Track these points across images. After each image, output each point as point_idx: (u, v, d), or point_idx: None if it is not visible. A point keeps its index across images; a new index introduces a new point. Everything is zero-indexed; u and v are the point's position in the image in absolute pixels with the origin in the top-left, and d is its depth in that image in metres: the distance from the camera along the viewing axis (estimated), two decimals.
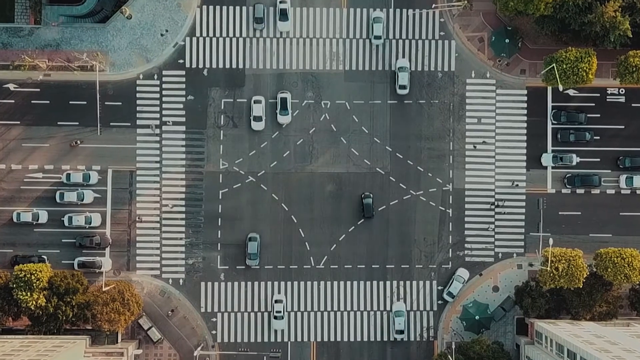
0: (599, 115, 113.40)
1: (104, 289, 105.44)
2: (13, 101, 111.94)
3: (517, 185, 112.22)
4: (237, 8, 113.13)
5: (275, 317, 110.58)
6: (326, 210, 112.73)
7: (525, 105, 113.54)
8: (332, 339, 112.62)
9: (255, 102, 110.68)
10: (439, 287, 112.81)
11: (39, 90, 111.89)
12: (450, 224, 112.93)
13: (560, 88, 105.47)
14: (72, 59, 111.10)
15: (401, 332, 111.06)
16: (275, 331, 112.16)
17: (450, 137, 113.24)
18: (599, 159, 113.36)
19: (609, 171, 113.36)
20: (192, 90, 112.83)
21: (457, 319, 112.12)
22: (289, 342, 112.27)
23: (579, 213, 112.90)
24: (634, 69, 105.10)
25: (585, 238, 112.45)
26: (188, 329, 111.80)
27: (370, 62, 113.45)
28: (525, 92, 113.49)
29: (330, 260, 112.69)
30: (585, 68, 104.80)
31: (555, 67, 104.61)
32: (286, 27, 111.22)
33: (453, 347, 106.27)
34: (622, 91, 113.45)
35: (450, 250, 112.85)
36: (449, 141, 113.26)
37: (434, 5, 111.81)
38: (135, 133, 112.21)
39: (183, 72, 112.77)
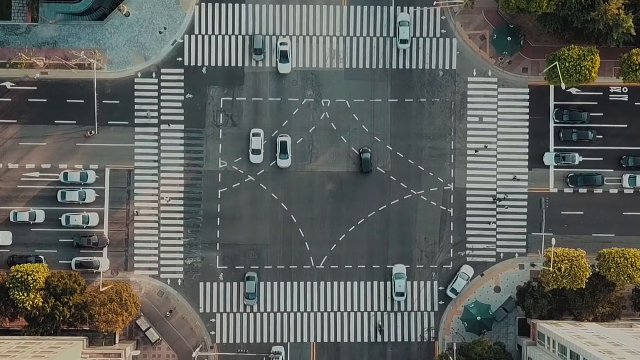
0: (601, 114, 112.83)
1: (101, 289, 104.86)
2: (10, 99, 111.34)
3: (517, 179, 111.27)
4: (237, 5, 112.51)
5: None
6: (326, 210, 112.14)
7: (527, 103, 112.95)
8: (332, 340, 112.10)
9: (254, 134, 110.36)
10: (440, 288, 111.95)
11: (35, 88, 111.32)
12: (452, 223, 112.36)
13: (563, 86, 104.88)
14: (70, 56, 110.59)
15: (401, 294, 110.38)
16: (275, 332, 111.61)
17: (452, 136, 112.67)
18: (601, 158, 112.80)
19: (612, 170, 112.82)
20: (191, 88, 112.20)
21: (459, 320, 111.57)
22: (289, 343, 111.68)
23: (582, 213, 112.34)
24: (637, 67, 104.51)
25: (588, 238, 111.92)
26: (187, 330, 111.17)
27: (371, 60, 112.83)
28: (527, 90, 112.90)
29: (331, 260, 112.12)
30: (588, 66, 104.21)
31: (557, 65, 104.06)
32: (286, 69, 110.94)
33: (454, 348, 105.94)
34: (625, 89, 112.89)
35: (452, 250, 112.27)
36: (450, 140, 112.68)
37: (435, 3, 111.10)
38: (133, 132, 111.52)
39: (182, 70, 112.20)
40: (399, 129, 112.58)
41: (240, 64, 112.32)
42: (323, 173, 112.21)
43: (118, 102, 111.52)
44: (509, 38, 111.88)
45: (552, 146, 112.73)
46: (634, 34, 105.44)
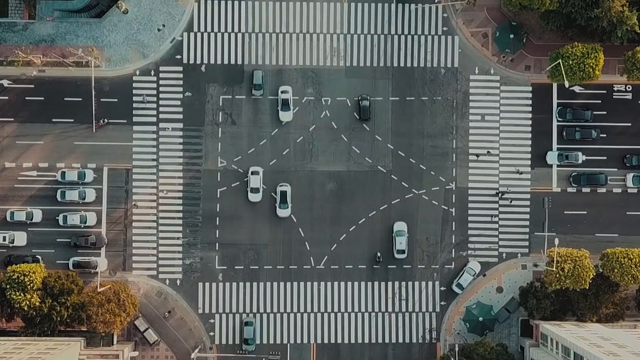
0: (605, 113, 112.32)
1: (99, 290, 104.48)
2: (7, 98, 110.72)
3: (521, 172, 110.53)
4: (236, 2, 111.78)
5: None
6: (326, 209, 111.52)
7: (530, 102, 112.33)
8: (332, 341, 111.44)
9: (252, 173, 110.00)
10: (442, 288, 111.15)
11: (33, 86, 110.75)
12: (454, 223, 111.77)
13: (566, 84, 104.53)
14: (67, 54, 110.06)
15: (402, 251, 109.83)
16: (275, 333, 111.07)
17: (453, 134, 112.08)
18: (605, 157, 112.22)
19: (616, 170, 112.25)
20: (190, 86, 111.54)
21: (460, 321, 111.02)
22: (289, 344, 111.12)
23: (585, 212, 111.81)
24: None
25: (591, 238, 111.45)
26: (185, 331, 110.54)
27: (372, 58, 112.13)
28: (530, 88, 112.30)
29: (331, 260, 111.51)
30: (591, 64, 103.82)
31: (561, 63, 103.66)
32: (288, 117, 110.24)
33: (456, 349, 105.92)
34: (629, 88, 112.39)
35: (453, 250, 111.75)
36: (452, 139, 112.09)
37: (437, 0, 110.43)
38: (132, 130, 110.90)
39: (180, 68, 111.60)
40: (400, 127, 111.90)
41: (239, 62, 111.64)
42: (323, 172, 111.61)
43: (116, 100, 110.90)
44: (511, 36, 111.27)
45: (555, 145, 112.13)
46: (638, 31, 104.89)
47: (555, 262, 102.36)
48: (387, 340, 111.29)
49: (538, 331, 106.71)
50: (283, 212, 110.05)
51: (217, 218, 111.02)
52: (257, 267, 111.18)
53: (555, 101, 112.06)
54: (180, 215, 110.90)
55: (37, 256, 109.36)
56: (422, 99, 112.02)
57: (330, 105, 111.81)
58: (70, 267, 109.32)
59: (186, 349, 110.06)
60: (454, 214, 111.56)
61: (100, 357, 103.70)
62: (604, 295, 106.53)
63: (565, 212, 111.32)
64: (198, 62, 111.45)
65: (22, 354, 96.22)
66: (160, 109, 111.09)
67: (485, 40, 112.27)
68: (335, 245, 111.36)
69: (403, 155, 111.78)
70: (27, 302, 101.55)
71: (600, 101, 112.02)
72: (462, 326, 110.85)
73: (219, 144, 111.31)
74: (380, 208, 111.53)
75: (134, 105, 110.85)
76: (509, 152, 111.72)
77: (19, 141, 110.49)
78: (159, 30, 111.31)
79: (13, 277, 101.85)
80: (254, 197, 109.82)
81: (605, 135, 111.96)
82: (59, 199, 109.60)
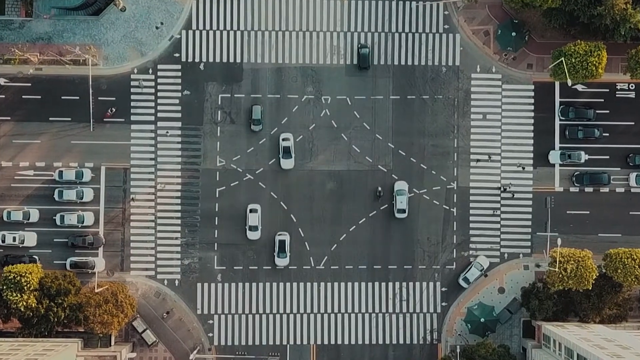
0: (608, 111, 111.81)
1: (96, 290, 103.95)
2: (3, 96, 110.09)
3: (524, 168, 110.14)
4: (235, 0, 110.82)
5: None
6: (326, 209, 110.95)
7: (532, 100, 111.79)
8: (332, 342, 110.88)
9: (251, 210, 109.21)
10: (443, 289, 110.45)
11: (30, 84, 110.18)
12: (455, 223, 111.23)
13: (569, 83, 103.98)
14: (65, 52, 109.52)
15: (403, 211, 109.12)
16: (274, 334, 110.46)
17: (455, 133, 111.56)
18: (608, 157, 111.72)
19: (619, 169, 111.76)
20: (188, 85, 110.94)
21: (462, 322, 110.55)
22: (288, 345, 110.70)
23: (588, 212, 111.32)
24: None
25: (594, 238, 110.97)
26: (184, 332, 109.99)
27: (372, 57, 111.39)
28: (532, 87, 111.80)
29: (331, 260, 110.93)
30: (594, 62, 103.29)
31: (564, 61, 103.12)
32: (289, 165, 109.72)
33: (457, 350, 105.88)
34: (632, 86, 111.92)
35: (455, 250, 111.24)
36: (453, 138, 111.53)
37: None
38: (130, 129, 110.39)
39: (179, 67, 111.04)
40: (400, 126, 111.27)
41: (238, 60, 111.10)
42: (323, 172, 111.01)
43: (114, 99, 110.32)
44: (513, 34, 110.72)
45: (557, 144, 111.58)
46: None
47: (557, 262, 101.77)
48: (387, 342, 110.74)
49: (540, 332, 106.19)
50: (282, 261, 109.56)
51: (216, 218, 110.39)
52: (256, 267, 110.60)
53: (557, 100, 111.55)
54: (179, 215, 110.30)
55: (34, 256, 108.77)
56: (423, 97, 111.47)
57: (330, 104, 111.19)
58: (68, 267, 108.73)
59: (185, 350, 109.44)
60: (455, 214, 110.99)
61: (98, 358, 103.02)
62: (607, 296, 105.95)
63: (567, 211, 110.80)
64: (197, 60, 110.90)
65: (19, 355, 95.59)
66: (159, 107, 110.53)
67: (487, 38, 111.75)
68: (335, 245, 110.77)
69: (404, 154, 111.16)
70: (24, 303, 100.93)
71: (603, 100, 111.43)
72: (463, 327, 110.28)
73: (217, 143, 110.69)
74: (381, 208, 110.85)
75: (132, 103, 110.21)
76: (511, 152, 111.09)
77: (15, 140, 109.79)
78: (157, 28, 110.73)
79: (9, 277, 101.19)
80: (253, 235, 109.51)
81: (608, 134, 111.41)
82: (56, 198, 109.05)
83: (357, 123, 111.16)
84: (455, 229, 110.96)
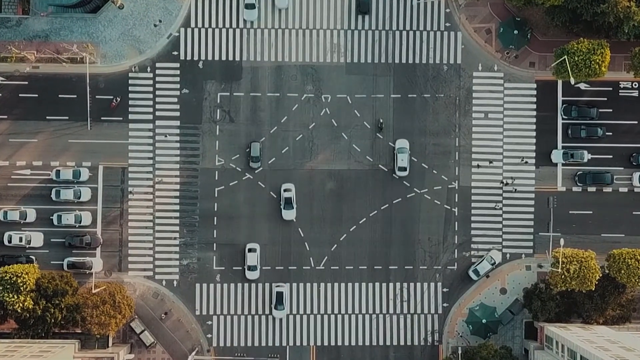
0: (611, 110, 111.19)
1: (94, 291, 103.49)
2: (0, 95, 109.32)
3: (526, 161, 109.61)
4: None
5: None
6: (326, 209, 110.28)
7: (534, 99, 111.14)
8: (332, 343, 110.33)
9: (249, 250, 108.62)
10: (445, 290, 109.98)
11: (26, 83, 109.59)
12: (456, 223, 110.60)
13: (572, 81, 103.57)
14: (62, 50, 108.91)
15: (404, 169, 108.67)
16: (274, 335, 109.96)
17: (456, 132, 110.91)
18: (611, 156, 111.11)
19: (622, 168, 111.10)
20: (187, 83, 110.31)
21: (463, 323, 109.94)
22: (288, 347, 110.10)
23: (590, 212, 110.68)
24: None
25: (597, 238, 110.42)
26: (182, 333, 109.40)
27: (373, 55, 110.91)
28: (534, 85, 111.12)
29: (331, 261, 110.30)
30: (598, 60, 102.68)
31: (566, 60, 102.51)
32: (291, 216, 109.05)
33: (459, 352, 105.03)
34: (635, 85, 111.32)
35: (456, 250, 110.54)
36: (454, 137, 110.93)
37: None
38: (128, 128, 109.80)
39: (177, 65, 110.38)
40: (401, 125, 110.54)
41: (238, 58, 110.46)
42: (323, 171, 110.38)
43: (112, 97, 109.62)
44: (515, 31, 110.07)
45: (560, 143, 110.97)
46: None
47: (560, 263, 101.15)
48: (388, 343, 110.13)
49: (543, 333, 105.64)
50: (279, 314, 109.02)
51: (215, 218, 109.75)
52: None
53: (560, 98, 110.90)
54: (177, 214, 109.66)
55: (30, 256, 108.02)
56: (424, 96, 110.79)
57: (331, 102, 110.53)
58: (65, 267, 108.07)
59: (183, 352, 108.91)
60: (456, 214, 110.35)
61: (95, 359, 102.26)
62: (610, 297, 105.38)
63: (570, 211, 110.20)
64: (195, 58, 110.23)
65: (15, 356, 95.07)
66: (157, 106, 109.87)
67: (489, 36, 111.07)
68: (336, 245, 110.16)
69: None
70: (20, 305, 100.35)
71: (606, 99, 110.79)
72: (465, 328, 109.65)
73: (216, 142, 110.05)
74: (382, 207, 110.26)
75: (130, 102, 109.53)
76: (513, 151, 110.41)
77: (12, 139, 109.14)
78: (155, 25, 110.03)
79: (5, 278, 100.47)
80: (252, 275, 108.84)
81: (611, 134, 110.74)
82: (53, 198, 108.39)
83: (357, 122, 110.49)
84: (456, 229, 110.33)
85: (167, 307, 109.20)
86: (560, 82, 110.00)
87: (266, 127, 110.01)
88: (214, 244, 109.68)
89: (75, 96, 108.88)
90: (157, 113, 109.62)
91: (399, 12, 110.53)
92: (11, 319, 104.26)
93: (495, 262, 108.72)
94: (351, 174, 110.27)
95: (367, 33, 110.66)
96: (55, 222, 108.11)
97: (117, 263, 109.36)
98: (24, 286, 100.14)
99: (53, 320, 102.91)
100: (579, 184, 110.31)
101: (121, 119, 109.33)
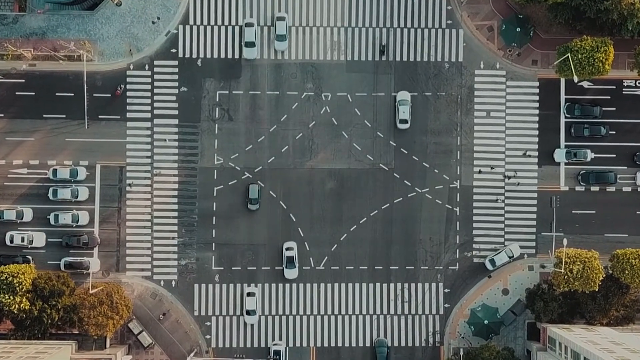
0: (614, 109, 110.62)
1: (91, 292, 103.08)
2: None
3: (529, 155, 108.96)
4: None
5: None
6: (327, 209, 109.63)
7: (537, 97, 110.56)
8: (332, 344, 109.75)
9: (248, 294, 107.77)
10: (446, 290, 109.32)
11: (23, 81, 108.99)
12: (458, 223, 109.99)
13: (575, 79, 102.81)
14: (59, 48, 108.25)
15: (405, 121, 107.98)
16: (273, 336, 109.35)
17: (458, 131, 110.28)
18: (614, 155, 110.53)
19: (625, 167, 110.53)
20: (186, 81, 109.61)
21: (465, 324, 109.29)
22: (287, 348, 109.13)
23: (594, 212, 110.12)
24: None
25: (600, 238, 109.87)
26: (181, 334, 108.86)
27: (374, 52, 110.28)
28: (537, 84, 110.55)
29: (331, 261, 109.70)
30: (601, 58, 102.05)
31: (570, 57, 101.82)
32: (293, 275, 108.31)
33: (460, 353, 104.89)
34: (639, 83, 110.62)
35: (458, 250, 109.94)
36: (456, 136, 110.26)
37: None
38: (125, 126, 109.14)
39: (176, 62, 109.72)
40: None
41: (237, 56, 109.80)
42: (323, 170, 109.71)
43: (109, 95, 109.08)
44: (518, 29, 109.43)
45: (562, 142, 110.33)
46: None
47: (563, 263, 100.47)
48: (389, 344, 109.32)
49: (545, 335, 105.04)
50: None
51: (214, 217, 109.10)
52: (254, 268, 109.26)
53: (563, 97, 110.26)
54: (176, 214, 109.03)
55: (27, 256, 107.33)
56: (425, 94, 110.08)
57: (331, 100, 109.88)
58: (62, 267, 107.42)
59: (181, 353, 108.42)
60: (458, 214, 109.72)
61: None
62: (613, 298, 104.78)
63: (573, 211, 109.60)
64: (194, 56, 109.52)
65: (11, 358, 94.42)
66: (155, 104, 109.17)
67: (491, 34, 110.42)
68: (336, 245, 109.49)
69: (406, 152, 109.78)
70: (17, 306, 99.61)
71: (609, 97, 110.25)
72: (466, 329, 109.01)
73: (215, 141, 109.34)
74: (382, 207, 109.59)
75: (128, 100, 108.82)
76: (515, 150, 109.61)
77: (8, 137, 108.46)
78: (153, 23, 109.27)
79: (1, 278, 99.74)
80: (251, 320, 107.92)
81: (614, 132, 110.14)
82: (50, 197, 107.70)
83: (358, 120, 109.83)
84: (458, 228, 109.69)
85: (166, 308, 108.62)
86: (563, 80, 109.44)
87: (266, 125, 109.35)
88: (213, 244, 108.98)
89: (72, 94, 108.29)
90: (155, 111, 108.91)
91: (400, 9, 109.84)
92: (7, 320, 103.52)
93: (513, 256, 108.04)
94: (352, 173, 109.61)
95: (367, 30, 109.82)
96: (52, 222, 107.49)
97: (115, 263, 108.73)
98: (20, 286, 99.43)
99: (50, 321, 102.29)
100: (582, 184, 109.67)
101: (119, 117, 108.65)
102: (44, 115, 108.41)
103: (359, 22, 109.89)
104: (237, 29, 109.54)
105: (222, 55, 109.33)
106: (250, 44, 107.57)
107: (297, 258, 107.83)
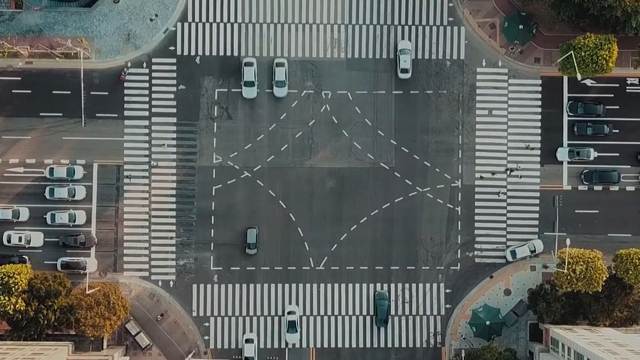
0: (618, 107, 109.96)
1: (88, 292, 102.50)
2: None
3: (532, 148, 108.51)
4: None
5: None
6: (326, 208, 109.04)
7: (539, 96, 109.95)
8: (332, 345, 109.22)
9: (247, 341, 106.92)
10: (447, 290, 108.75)
11: (19, 79, 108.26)
12: (459, 222, 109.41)
13: (579, 77, 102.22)
14: (56, 45, 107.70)
15: (406, 70, 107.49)
16: (272, 337, 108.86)
17: (459, 130, 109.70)
18: (618, 154, 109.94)
19: (629, 166, 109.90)
20: (184, 79, 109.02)
21: (467, 324, 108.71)
22: (287, 349, 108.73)
23: (597, 211, 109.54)
24: None
25: (603, 238, 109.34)
26: (179, 335, 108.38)
27: (374, 50, 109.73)
28: (539, 82, 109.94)
29: (331, 261, 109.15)
30: (605, 56, 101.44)
31: (573, 55, 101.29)
32: (294, 339, 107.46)
33: (462, 354, 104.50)
34: None
35: (459, 250, 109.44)
36: (457, 134, 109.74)
37: None
38: (123, 125, 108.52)
39: (174, 60, 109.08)
40: (403, 122, 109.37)
41: (236, 54, 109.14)
42: (323, 169, 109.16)
43: (107, 93, 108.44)
44: (520, 26, 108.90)
45: (565, 141, 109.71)
46: None
47: (566, 263, 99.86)
48: (389, 345, 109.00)
49: (548, 336, 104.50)
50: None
51: (213, 217, 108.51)
52: (253, 268, 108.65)
53: (565, 95, 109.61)
54: (174, 213, 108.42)
55: (23, 256, 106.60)
56: (426, 92, 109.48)
57: (331, 99, 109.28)
58: (59, 267, 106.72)
59: (180, 354, 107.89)
60: (459, 213, 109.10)
61: None
62: (617, 298, 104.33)
63: (576, 211, 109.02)
64: (192, 53, 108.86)
65: (7, 359, 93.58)
66: (153, 102, 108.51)
67: (493, 31, 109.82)
68: (336, 245, 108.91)
69: (407, 151, 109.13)
70: (12, 306, 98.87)
71: (612, 95, 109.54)
72: (468, 330, 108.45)
73: (214, 140, 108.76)
74: (383, 206, 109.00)
75: (125, 98, 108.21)
76: (517, 148, 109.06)
77: (5, 136, 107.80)
78: (151, 20, 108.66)
79: None
80: (248, 351, 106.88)
81: (618, 131, 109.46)
82: (47, 196, 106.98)
83: (358, 119, 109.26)
84: (459, 228, 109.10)
85: (164, 309, 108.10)
86: (566, 78, 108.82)
87: (265, 124, 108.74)
88: (212, 244, 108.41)
89: (69, 92, 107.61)
90: (153, 110, 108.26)
91: (401, 6, 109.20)
92: (3, 321, 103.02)
93: (535, 251, 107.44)
94: (352, 172, 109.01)
95: (368, 28, 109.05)
96: (48, 221, 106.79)
97: (112, 263, 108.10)
98: (16, 287, 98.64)
99: (46, 322, 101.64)
100: (585, 183, 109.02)
101: (116, 115, 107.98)
102: (41, 114, 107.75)
103: (360, 20, 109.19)
104: (236, 26, 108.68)
105: (221, 53, 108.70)
106: (250, 84, 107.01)
107: (299, 323, 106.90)
